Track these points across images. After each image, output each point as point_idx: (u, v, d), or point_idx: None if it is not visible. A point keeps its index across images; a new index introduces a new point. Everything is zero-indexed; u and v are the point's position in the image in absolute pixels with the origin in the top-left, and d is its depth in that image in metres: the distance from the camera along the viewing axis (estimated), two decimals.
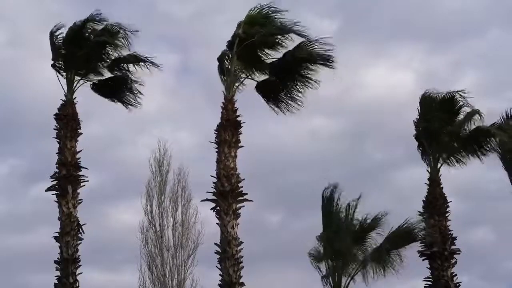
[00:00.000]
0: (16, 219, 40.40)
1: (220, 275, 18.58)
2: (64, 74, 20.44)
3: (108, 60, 20.83)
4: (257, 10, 20.04)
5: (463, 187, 31.02)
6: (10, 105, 40.30)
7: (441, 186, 21.73)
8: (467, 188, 33.06)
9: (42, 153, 33.20)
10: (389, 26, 46.47)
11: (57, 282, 19.04)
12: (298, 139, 39.94)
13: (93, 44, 20.17)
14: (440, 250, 21.04)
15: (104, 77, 21.14)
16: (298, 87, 20.50)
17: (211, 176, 19.22)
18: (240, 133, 19.53)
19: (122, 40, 20.32)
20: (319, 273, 20.62)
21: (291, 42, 20.14)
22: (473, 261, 30.14)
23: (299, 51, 19.94)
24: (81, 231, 19.45)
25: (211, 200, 19.10)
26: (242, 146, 19.50)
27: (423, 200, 21.72)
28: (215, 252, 18.77)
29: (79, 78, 20.61)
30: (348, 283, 20.38)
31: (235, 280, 18.42)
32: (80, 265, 19.23)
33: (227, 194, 18.83)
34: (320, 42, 19.61)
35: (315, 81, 20.31)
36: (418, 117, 22.24)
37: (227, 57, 20.17)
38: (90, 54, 20.32)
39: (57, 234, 19.33)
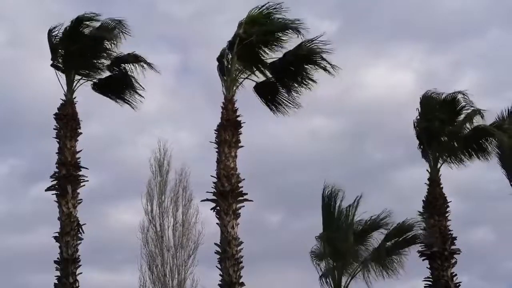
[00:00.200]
0: (16, 219, 40.45)
1: (220, 275, 18.58)
2: (64, 73, 20.45)
3: (107, 59, 20.82)
4: (258, 10, 20.06)
5: (463, 187, 31.05)
6: (10, 105, 40.36)
7: (441, 186, 21.71)
8: (467, 188, 33.10)
9: (42, 153, 33.26)
10: (389, 26, 46.53)
11: (57, 282, 19.04)
12: (298, 139, 39.99)
13: (90, 41, 20.14)
14: (440, 250, 21.02)
15: (103, 76, 21.14)
16: (298, 86, 20.53)
17: (211, 176, 19.24)
18: (240, 133, 19.54)
19: (119, 35, 20.30)
20: (318, 273, 20.63)
21: (292, 41, 20.20)
22: (473, 261, 30.17)
23: (300, 50, 19.96)
24: (81, 231, 19.44)
25: (211, 200, 19.10)
26: (242, 146, 19.51)
27: (423, 200, 21.70)
28: (215, 252, 18.77)
29: (79, 77, 20.62)
30: (348, 283, 20.39)
31: (235, 280, 18.42)
32: (80, 265, 19.22)
33: (227, 194, 18.83)
34: (321, 42, 19.70)
35: (316, 80, 20.37)
36: (418, 117, 22.23)
37: (227, 57, 20.17)
38: (88, 51, 20.30)
39: (57, 234, 19.32)
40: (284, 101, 20.89)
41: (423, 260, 21.28)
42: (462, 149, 22.20)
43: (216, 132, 19.49)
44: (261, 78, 20.73)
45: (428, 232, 21.16)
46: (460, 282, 21.06)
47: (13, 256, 36.88)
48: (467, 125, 22.05)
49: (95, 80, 21.08)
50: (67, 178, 19.51)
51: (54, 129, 20.00)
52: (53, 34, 20.20)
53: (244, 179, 19.16)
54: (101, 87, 21.22)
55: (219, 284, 18.61)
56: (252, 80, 20.66)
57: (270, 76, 20.67)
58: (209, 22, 41.14)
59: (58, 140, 19.91)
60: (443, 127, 21.88)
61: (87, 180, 19.88)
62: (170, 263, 31.46)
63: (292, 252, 29.88)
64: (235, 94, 19.99)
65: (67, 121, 19.92)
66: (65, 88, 20.29)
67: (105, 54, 20.69)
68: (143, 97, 21.29)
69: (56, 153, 19.83)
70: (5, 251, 36.24)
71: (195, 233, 31.76)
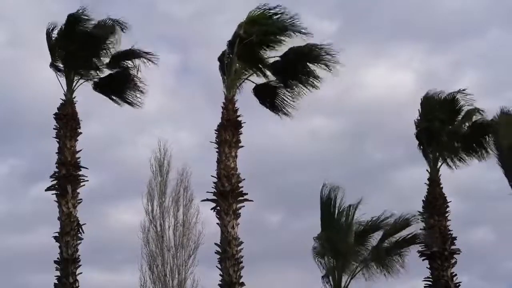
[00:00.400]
0: (16, 219, 40.34)
1: (220, 275, 18.60)
2: (64, 73, 20.45)
3: (106, 57, 20.80)
4: (258, 10, 20.07)
5: (463, 187, 30.99)
6: (10, 105, 40.25)
7: (441, 186, 21.73)
8: (467, 188, 33.03)
9: (42, 153, 33.15)
10: (389, 26, 46.42)
11: (57, 282, 19.06)
12: (298, 139, 39.85)
13: (88, 39, 20.12)
14: (440, 250, 21.04)
15: (104, 75, 21.13)
16: (302, 85, 20.57)
17: (212, 176, 19.25)
18: (241, 133, 19.56)
19: (118, 32, 20.31)
20: (321, 271, 20.53)
21: (292, 41, 20.21)
22: (473, 261, 30.09)
23: (301, 50, 19.98)
24: (81, 231, 19.45)
25: (212, 200, 19.12)
26: (242, 146, 19.53)
27: (423, 200, 21.72)
28: (215, 252, 18.79)
29: (79, 77, 20.61)
30: (349, 283, 20.36)
31: (235, 280, 18.43)
32: (80, 265, 19.25)
33: (228, 194, 18.84)
34: (323, 44, 19.76)
35: (317, 80, 20.39)
36: (419, 117, 22.25)
37: (227, 57, 20.18)
38: (86, 50, 20.28)
39: (57, 234, 19.34)
40: (284, 103, 20.94)
41: (423, 260, 21.30)
42: (461, 148, 22.21)
43: (217, 132, 19.50)
44: (262, 78, 20.80)
45: (428, 232, 21.17)
46: (460, 282, 21.09)
47: (13, 256, 36.82)
48: (466, 123, 22.09)
49: (95, 80, 21.09)
50: (67, 178, 19.53)
51: (54, 129, 20.03)
52: (51, 34, 20.21)
53: (244, 179, 19.18)
54: (102, 87, 21.23)
55: (219, 284, 18.63)
56: (253, 82, 20.72)
57: (272, 75, 20.73)
58: (209, 22, 41.10)
59: (58, 140, 19.92)
60: (443, 127, 21.90)
61: (87, 180, 19.94)
62: (170, 263, 31.41)
63: (292, 252, 29.85)
64: (236, 94, 20.03)
65: (67, 121, 19.93)
66: (65, 88, 20.30)
67: (103, 52, 20.68)
68: (143, 92, 21.29)
69: (56, 153, 19.85)
70: (5, 251, 36.18)
71: (196, 233, 31.74)
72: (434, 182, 21.72)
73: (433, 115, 21.92)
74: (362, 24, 46.51)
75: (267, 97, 21.01)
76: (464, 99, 22.16)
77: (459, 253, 21.29)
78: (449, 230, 21.41)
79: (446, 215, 21.51)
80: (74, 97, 20.32)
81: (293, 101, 20.94)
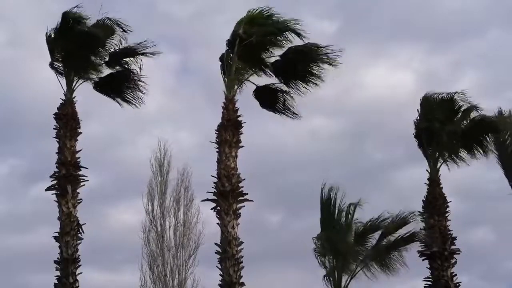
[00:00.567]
0: (16, 219, 40.36)
1: (220, 275, 18.60)
2: (64, 73, 20.43)
3: (105, 56, 20.77)
4: (258, 10, 20.08)
5: (463, 187, 31.01)
6: (10, 105, 40.28)
7: (441, 186, 21.74)
8: (467, 188, 33.05)
9: (42, 153, 33.20)
10: (389, 26, 46.45)
11: (57, 282, 19.03)
12: (298, 139, 39.86)
13: (86, 39, 20.08)
14: (440, 250, 21.05)
15: (104, 74, 21.10)
16: (303, 83, 20.58)
17: (212, 176, 19.25)
18: (241, 133, 19.56)
19: (117, 31, 20.29)
20: (325, 270, 20.46)
21: (292, 41, 20.22)
22: (473, 261, 30.12)
23: (300, 50, 19.98)
24: (81, 231, 19.43)
25: (212, 200, 19.12)
26: (242, 146, 19.52)
27: (423, 200, 21.72)
28: (215, 252, 18.79)
29: (78, 77, 20.58)
30: (349, 283, 20.37)
31: (235, 280, 18.43)
32: (80, 265, 19.21)
33: (228, 194, 18.84)
34: (323, 44, 19.78)
35: (317, 79, 20.41)
36: (418, 117, 22.26)
37: (227, 57, 20.18)
38: (85, 50, 20.25)
39: (57, 234, 19.31)
40: (284, 105, 20.98)
41: (423, 260, 21.31)
42: (461, 145, 22.21)
43: (217, 132, 19.50)
44: (262, 77, 20.82)
45: (428, 232, 21.17)
46: (460, 282, 21.09)
47: (13, 256, 36.84)
48: (465, 121, 22.11)
49: (95, 79, 21.07)
50: (67, 178, 19.51)
51: (54, 129, 20.00)
52: (50, 34, 20.18)
53: (244, 179, 19.18)
54: (102, 86, 21.21)
55: (219, 284, 18.62)
56: (253, 83, 20.73)
57: (272, 75, 20.74)
58: (209, 22, 41.12)
59: (58, 140, 19.90)
60: (443, 127, 21.91)
61: (87, 180, 19.90)
62: (171, 263, 31.43)
63: (292, 252, 29.88)
64: (236, 94, 20.03)
65: (66, 120, 19.91)
66: (65, 87, 20.29)
67: (103, 51, 20.64)
68: (143, 92, 21.28)
69: (56, 153, 19.83)
70: (5, 251, 36.21)
71: (196, 233, 31.75)
72: (434, 182, 21.73)
73: (432, 115, 21.94)
74: (362, 24, 46.58)
75: (268, 100, 21.02)
76: (463, 99, 22.20)
77: (459, 253, 21.30)
78: (449, 230, 21.41)
79: (446, 215, 21.51)
80: (74, 97, 20.30)
81: (294, 103, 20.99)
